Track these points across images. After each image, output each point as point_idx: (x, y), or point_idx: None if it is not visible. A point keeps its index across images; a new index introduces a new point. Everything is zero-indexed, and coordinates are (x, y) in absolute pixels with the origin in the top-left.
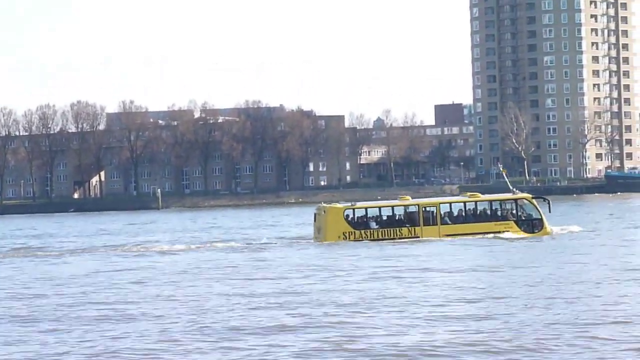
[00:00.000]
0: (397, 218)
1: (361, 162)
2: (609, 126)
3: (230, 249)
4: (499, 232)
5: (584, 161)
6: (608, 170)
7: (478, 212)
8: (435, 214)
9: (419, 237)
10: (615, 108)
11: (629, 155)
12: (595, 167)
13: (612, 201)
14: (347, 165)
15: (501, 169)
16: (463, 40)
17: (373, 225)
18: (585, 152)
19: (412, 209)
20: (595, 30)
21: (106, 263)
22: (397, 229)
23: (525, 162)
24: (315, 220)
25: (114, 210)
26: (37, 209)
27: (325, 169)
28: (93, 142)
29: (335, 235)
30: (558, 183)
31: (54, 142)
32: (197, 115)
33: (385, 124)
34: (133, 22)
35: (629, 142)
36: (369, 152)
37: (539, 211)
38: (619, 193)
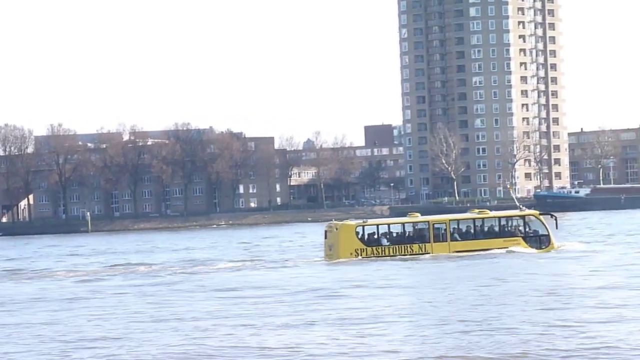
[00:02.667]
0: (407, 235)
1: (291, 184)
2: (538, 146)
3: (256, 267)
4: (507, 247)
5: (513, 181)
6: (537, 190)
7: (486, 228)
8: (445, 231)
9: (429, 253)
10: (544, 128)
11: (558, 175)
12: (525, 186)
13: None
14: (277, 187)
15: (508, 186)
16: (392, 61)
17: (384, 242)
18: (515, 172)
19: (422, 225)
20: (524, 50)
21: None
22: (408, 245)
23: (455, 183)
24: (326, 238)
25: (43, 234)
26: None
27: (255, 191)
28: (21, 166)
29: (348, 252)
30: (488, 203)
31: None
32: (126, 138)
33: (315, 145)
34: (61, 43)
35: (557, 161)
36: (299, 173)
37: (546, 227)
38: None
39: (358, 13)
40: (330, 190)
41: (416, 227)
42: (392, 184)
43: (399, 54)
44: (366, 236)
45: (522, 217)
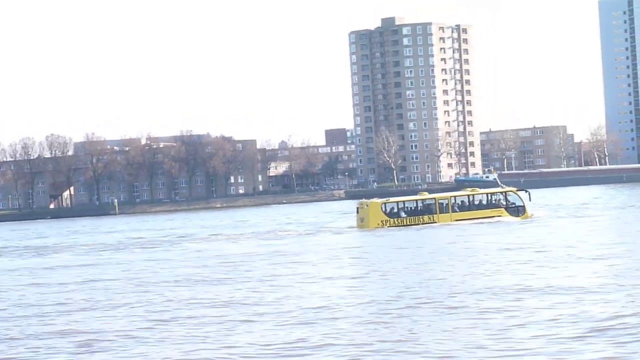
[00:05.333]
0: (419, 209)
1: (270, 175)
2: (457, 142)
3: (321, 231)
4: (494, 216)
5: (439, 169)
6: (457, 176)
7: (477, 202)
8: (447, 205)
9: (436, 222)
10: (461, 128)
11: (473, 164)
12: (448, 173)
13: None
14: (259, 177)
15: (493, 171)
16: (345, 79)
17: (402, 214)
18: (440, 162)
19: (430, 201)
20: (445, 69)
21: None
22: (420, 216)
23: (395, 172)
24: (357, 212)
25: (81, 216)
26: (22, 217)
27: (242, 181)
28: (64, 165)
29: (376, 223)
30: (419, 187)
31: (33, 166)
32: (143, 142)
33: (287, 145)
34: (97, 69)
35: (472, 154)
36: (275, 167)
37: (522, 200)
38: None
39: (317, 45)
40: (299, 179)
41: (425, 203)
42: (346, 174)
43: (350, 74)
44: (389, 210)
45: (504, 192)
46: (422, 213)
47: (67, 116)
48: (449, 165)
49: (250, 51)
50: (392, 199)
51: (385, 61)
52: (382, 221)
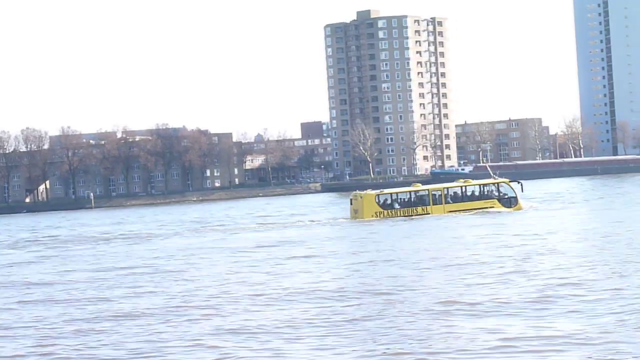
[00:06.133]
0: (413, 200)
1: (246, 168)
2: (433, 135)
3: (320, 224)
4: (487, 207)
5: (414, 162)
6: (433, 169)
7: (470, 193)
8: (440, 196)
9: (430, 213)
10: (437, 121)
11: (448, 157)
12: (423, 166)
13: None
14: (235, 171)
15: (485, 162)
16: (321, 72)
17: (396, 206)
18: (415, 155)
19: (423, 193)
20: (420, 62)
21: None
22: (414, 208)
23: (370, 164)
24: (351, 204)
25: (57, 210)
26: None
27: (219, 174)
28: (39, 159)
29: (370, 214)
30: (395, 179)
31: (9, 160)
32: (119, 136)
33: (263, 138)
34: (71, 62)
35: (447, 147)
36: (252, 160)
37: (514, 191)
38: None
39: (293, 38)
40: (275, 172)
41: (419, 195)
42: (322, 166)
43: (325, 67)
44: (383, 202)
45: (496, 184)
46: (415, 204)
47: (43, 110)
48: (425, 157)
49: (227, 44)
50: (386, 191)
51: (360, 54)
52: (376, 212)
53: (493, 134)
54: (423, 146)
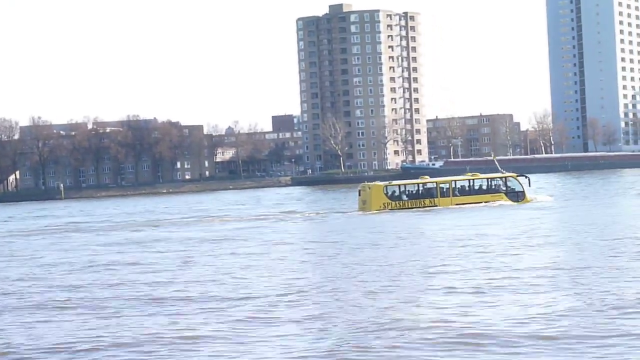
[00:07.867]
0: (420, 192)
1: (217, 161)
2: (404, 130)
3: (310, 218)
4: (494, 201)
5: (385, 157)
6: (404, 163)
7: (477, 187)
8: (448, 189)
9: (437, 206)
10: (408, 116)
11: (419, 152)
12: (394, 161)
13: None
14: (206, 163)
15: (493, 156)
16: (292, 66)
17: (404, 197)
18: (386, 149)
19: (431, 185)
20: (392, 57)
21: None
22: (421, 200)
23: (341, 158)
24: (360, 195)
25: (27, 201)
26: None
27: (189, 166)
28: (9, 149)
29: (378, 205)
30: (366, 174)
31: None
32: (90, 127)
33: (234, 131)
34: (42, 52)
35: (418, 141)
36: (222, 152)
37: (521, 185)
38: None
39: (265, 30)
40: (246, 165)
41: (426, 187)
42: (293, 160)
43: (297, 61)
44: (391, 193)
45: (504, 178)
46: (423, 197)
47: (13, 100)
48: (396, 152)
49: (199, 37)
50: (394, 182)
51: (332, 48)
52: (384, 204)
53: (464, 130)
54: (394, 141)
